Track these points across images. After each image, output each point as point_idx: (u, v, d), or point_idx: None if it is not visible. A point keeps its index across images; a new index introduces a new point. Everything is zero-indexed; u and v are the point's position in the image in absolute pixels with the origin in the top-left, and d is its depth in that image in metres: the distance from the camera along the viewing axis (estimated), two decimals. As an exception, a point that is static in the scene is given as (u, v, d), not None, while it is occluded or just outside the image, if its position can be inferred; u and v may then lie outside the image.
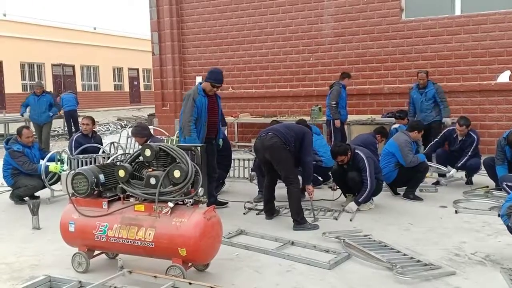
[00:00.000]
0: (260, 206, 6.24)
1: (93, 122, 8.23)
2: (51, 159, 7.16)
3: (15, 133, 7.44)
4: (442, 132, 7.90)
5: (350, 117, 10.33)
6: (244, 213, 6.13)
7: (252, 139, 11.15)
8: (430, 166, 7.38)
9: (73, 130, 15.09)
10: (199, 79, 13.20)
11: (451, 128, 7.78)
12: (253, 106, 12.62)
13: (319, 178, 7.24)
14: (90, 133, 8.05)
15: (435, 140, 7.85)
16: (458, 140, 7.53)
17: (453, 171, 7.35)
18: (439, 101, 8.84)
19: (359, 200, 6.04)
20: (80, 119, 16.00)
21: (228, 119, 10.85)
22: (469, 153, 7.32)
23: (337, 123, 9.48)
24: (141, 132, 6.81)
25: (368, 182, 5.98)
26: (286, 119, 10.50)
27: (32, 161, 7.00)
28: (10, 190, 7.11)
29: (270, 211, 5.91)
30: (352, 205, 6.06)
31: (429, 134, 8.39)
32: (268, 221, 5.81)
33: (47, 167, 6.90)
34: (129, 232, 3.95)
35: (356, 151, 6.19)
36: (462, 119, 7.57)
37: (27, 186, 6.86)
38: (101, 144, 8.18)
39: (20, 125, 8.10)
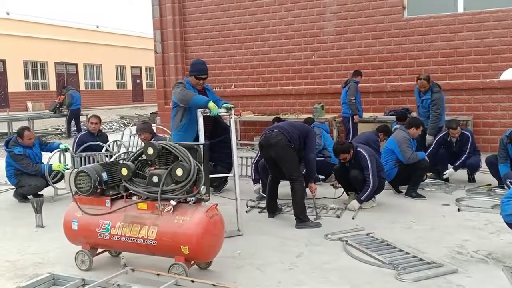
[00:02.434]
0: (263, 204, 6.25)
1: (100, 120, 8.28)
2: (55, 147, 7.19)
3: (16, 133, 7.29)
4: (435, 140, 7.65)
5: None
6: (246, 211, 6.13)
7: (255, 137, 11.16)
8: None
9: (75, 128, 15.11)
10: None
11: (443, 133, 7.62)
12: (255, 104, 12.62)
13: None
14: (96, 132, 8.08)
15: (429, 150, 7.62)
16: (454, 142, 7.46)
17: (449, 171, 7.34)
18: (431, 112, 7.94)
19: (362, 198, 6.03)
20: (83, 117, 16.12)
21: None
22: (468, 151, 7.28)
23: (356, 118, 9.73)
24: (150, 127, 6.88)
25: (371, 180, 5.97)
26: (288, 117, 10.51)
27: (34, 160, 6.96)
28: (13, 188, 7.13)
29: (272, 209, 5.91)
30: (355, 203, 6.07)
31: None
32: (270, 219, 5.82)
33: (50, 166, 6.92)
34: (132, 230, 3.96)
35: (358, 149, 6.19)
36: (452, 122, 7.51)
37: (30, 185, 6.86)
38: (106, 142, 8.18)
39: (21, 125, 8.07)
